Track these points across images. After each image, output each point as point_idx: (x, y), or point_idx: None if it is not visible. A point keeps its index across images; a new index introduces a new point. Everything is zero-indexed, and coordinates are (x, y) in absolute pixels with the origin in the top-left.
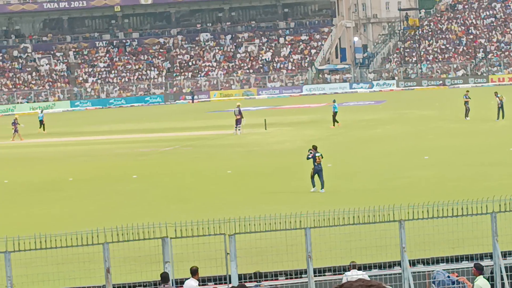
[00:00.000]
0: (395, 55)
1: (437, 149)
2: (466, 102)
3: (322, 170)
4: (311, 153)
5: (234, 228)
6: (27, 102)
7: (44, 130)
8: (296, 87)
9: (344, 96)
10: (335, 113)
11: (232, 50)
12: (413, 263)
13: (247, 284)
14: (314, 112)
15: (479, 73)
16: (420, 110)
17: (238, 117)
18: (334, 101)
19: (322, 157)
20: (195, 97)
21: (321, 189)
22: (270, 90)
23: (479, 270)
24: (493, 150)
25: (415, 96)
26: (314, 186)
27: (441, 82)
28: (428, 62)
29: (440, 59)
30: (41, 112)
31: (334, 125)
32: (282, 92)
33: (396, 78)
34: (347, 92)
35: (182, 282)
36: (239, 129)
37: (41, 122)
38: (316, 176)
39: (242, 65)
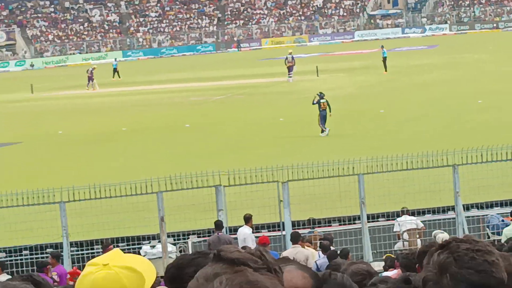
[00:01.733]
0: None
1: (491, 93)
2: None
3: (326, 117)
4: (317, 97)
5: (287, 176)
6: (80, 53)
7: (119, 77)
8: (348, 33)
9: (396, 41)
10: (384, 58)
11: None
12: (467, 207)
13: (301, 231)
14: (366, 58)
15: None
16: (473, 54)
17: (291, 64)
18: (382, 47)
19: (328, 104)
20: (241, 45)
21: (322, 132)
22: (321, 36)
23: None
24: None
25: (468, 40)
26: (322, 131)
27: (494, 25)
28: (481, 5)
29: (493, 2)
30: (115, 60)
31: (386, 71)
32: (333, 39)
33: (448, 22)
34: (399, 37)
35: (235, 229)
36: (291, 76)
37: (115, 70)
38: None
39: (293, 12)
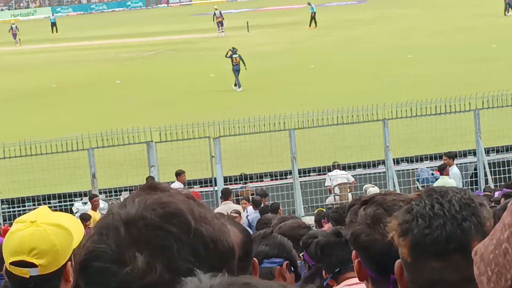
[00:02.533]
0: None
1: (421, 47)
2: None
3: (239, 71)
4: (230, 52)
5: (219, 131)
6: (8, 9)
7: (57, 32)
8: None
9: None
10: (313, 14)
11: None
12: (397, 161)
13: (233, 186)
14: (296, 13)
15: None
16: (402, 9)
17: (220, 19)
18: (309, 3)
19: (240, 59)
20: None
21: (239, 88)
22: None
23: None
24: (478, 47)
25: None
26: (239, 86)
27: None
28: None
29: None
30: (53, 15)
31: (310, 26)
32: None
33: None
34: None
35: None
36: (223, 31)
37: (54, 24)
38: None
39: None
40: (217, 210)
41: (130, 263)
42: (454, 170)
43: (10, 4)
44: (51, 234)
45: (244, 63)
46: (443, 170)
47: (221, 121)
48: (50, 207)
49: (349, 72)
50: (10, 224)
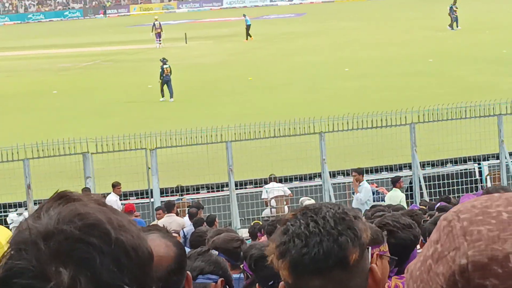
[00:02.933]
0: None
1: (358, 61)
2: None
3: (170, 81)
4: (161, 62)
5: (156, 143)
6: None
7: None
8: (216, 0)
9: (264, 9)
10: (248, 27)
11: None
12: (333, 174)
13: (169, 198)
14: (234, 25)
15: None
16: (340, 22)
17: (159, 30)
18: (244, 15)
19: (170, 69)
20: (109, 11)
21: (170, 98)
22: (190, 3)
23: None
24: (415, 60)
25: (336, 8)
26: (163, 96)
27: None
28: None
29: None
30: None
31: (247, 39)
32: (202, 6)
33: None
34: (267, 5)
35: (103, 197)
36: (160, 43)
37: None
38: (165, 86)
39: None
40: (160, 222)
41: (53, 278)
42: (365, 185)
43: None
44: None
45: (170, 73)
46: (396, 182)
47: (158, 132)
48: None
49: (286, 85)
50: None
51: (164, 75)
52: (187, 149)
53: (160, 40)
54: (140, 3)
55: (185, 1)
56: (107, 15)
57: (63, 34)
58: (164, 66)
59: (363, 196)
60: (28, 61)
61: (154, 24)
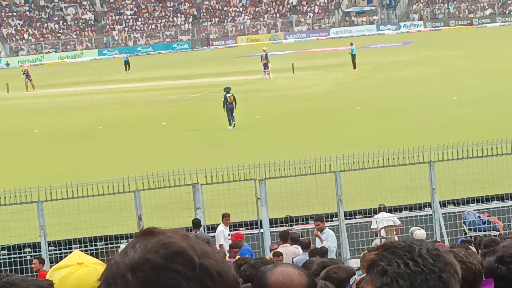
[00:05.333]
0: None
1: (466, 89)
2: None
3: (233, 109)
4: (224, 92)
5: (265, 173)
6: (55, 51)
7: (128, 70)
8: (323, 30)
9: (371, 38)
10: (353, 56)
11: None
12: (443, 204)
13: (278, 229)
14: (341, 55)
15: (506, 12)
16: (448, 51)
17: (265, 61)
18: (351, 44)
19: (233, 97)
20: (216, 43)
21: (229, 126)
22: (297, 34)
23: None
24: None
25: (443, 36)
26: (230, 125)
27: (468, 21)
28: (455, 2)
29: None
30: (126, 54)
31: (354, 68)
32: (309, 36)
33: (423, 18)
34: (374, 34)
35: (213, 228)
36: (267, 74)
37: (127, 63)
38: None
39: (269, 9)
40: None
41: None
42: (329, 232)
43: (57, 46)
44: (101, 272)
45: (235, 102)
46: None
47: (267, 163)
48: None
49: (394, 114)
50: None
51: (227, 104)
52: (296, 180)
53: (267, 71)
54: (247, 34)
55: (292, 32)
56: (214, 47)
57: (171, 66)
58: (227, 95)
59: (331, 244)
60: (137, 94)
61: (261, 55)
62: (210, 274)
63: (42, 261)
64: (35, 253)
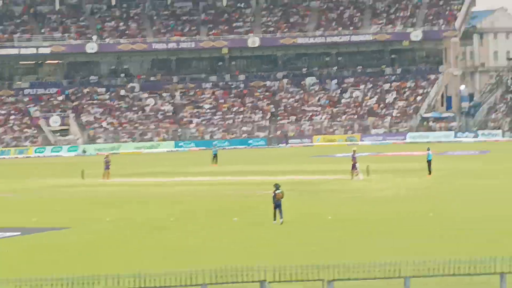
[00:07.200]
0: (502, 105)
1: None
2: None
3: (280, 206)
4: (274, 188)
5: (333, 274)
6: (132, 141)
7: (216, 163)
8: (400, 134)
9: (448, 144)
10: (429, 162)
11: (337, 95)
12: None
13: None
14: (417, 160)
15: None
16: None
17: (354, 162)
18: (428, 149)
19: (282, 194)
20: (292, 141)
21: (274, 220)
22: (373, 136)
23: None
24: None
25: None
26: (275, 219)
27: None
28: None
29: None
30: (215, 147)
31: (430, 174)
32: (385, 139)
33: (502, 128)
34: (451, 141)
35: None
36: (356, 174)
37: (215, 156)
38: (277, 210)
39: (347, 110)
40: None
41: None
42: None
43: (135, 136)
44: None
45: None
46: None
47: (336, 263)
48: None
49: (468, 222)
50: None
51: (275, 200)
52: (364, 283)
53: (355, 172)
54: (324, 134)
55: (369, 134)
56: (290, 144)
57: (247, 161)
58: (277, 192)
59: None
60: (212, 187)
61: (352, 156)
62: None
63: None
64: None
